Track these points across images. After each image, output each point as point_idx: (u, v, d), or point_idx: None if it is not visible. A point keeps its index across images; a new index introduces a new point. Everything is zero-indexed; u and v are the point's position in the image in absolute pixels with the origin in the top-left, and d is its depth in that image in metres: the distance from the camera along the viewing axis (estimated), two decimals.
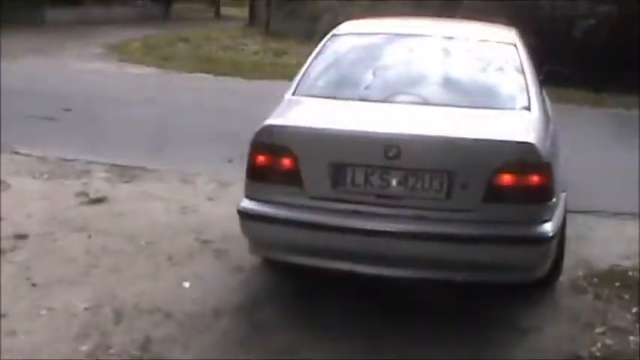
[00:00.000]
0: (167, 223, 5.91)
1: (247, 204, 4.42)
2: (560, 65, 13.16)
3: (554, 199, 4.24)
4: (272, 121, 4.42)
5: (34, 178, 7.11)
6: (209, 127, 9.23)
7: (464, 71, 5.17)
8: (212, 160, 7.71)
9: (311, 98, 4.87)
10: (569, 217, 4.95)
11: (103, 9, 28.16)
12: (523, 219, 4.18)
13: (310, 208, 4.23)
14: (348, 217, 4.19)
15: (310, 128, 4.43)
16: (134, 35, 21.35)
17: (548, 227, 4.15)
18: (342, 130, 4.36)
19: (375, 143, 4.14)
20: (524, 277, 4.35)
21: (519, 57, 5.18)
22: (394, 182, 4.15)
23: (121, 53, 17.86)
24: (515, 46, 5.36)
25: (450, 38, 5.55)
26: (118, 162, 7.57)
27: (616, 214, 6.48)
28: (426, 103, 4.72)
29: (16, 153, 7.86)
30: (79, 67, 15.63)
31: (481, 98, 4.84)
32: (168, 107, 10.62)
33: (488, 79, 5.09)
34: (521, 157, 4.10)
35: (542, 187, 4.17)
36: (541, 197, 4.18)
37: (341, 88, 5.00)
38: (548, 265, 4.41)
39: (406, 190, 4.14)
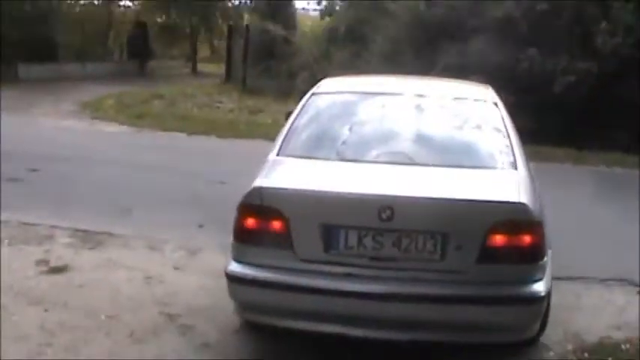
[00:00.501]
0: (130, 294, 5.55)
1: (235, 267, 4.32)
2: (540, 121, 13.20)
3: (545, 258, 4.23)
4: (261, 182, 4.37)
5: None
6: (180, 189, 8.95)
7: (447, 130, 5.13)
8: (182, 225, 7.40)
9: (297, 159, 4.78)
10: (555, 285, 4.68)
11: (77, 65, 27.99)
12: (516, 279, 4.17)
13: (301, 271, 4.17)
14: (341, 280, 4.13)
15: (301, 190, 4.34)
16: (109, 92, 21.10)
17: (540, 287, 4.15)
18: (334, 192, 4.28)
19: (368, 205, 4.11)
20: (515, 337, 4.37)
21: (501, 115, 5.21)
22: (388, 244, 4.10)
23: (95, 111, 17.58)
24: (495, 104, 5.39)
25: (430, 97, 5.56)
26: (83, 227, 7.22)
27: (603, 281, 6.21)
28: (413, 163, 4.64)
29: None
30: (50, 125, 15.32)
31: (467, 157, 4.82)
32: (139, 167, 10.30)
33: (472, 137, 5.06)
34: (513, 217, 4.11)
35: (534, 246, 4.16)
36: (533, 257, 4.18)
37: (326, 148, 4.91)
38: (538, 324, 4.42)
39: (400, 251, 4.11)
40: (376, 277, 4.13)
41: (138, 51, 31.74)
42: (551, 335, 4.86)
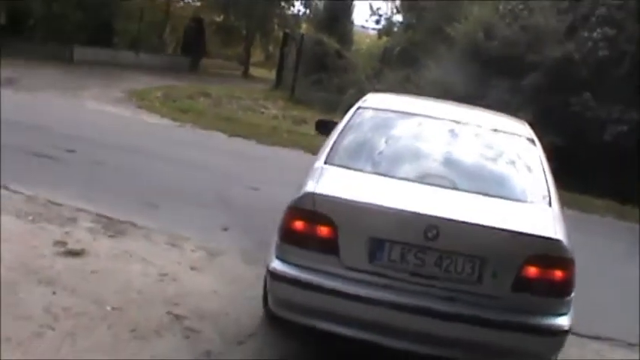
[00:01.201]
0: (141, 289, 5.44)
1: (279, 265, 4.49)
2: (585, 168, 12.93)
3: (572, 294, 4.41)
4: (314, 188, 4.51)
5: (17, 217, 6.71)
6: (211, 190, 8.84)
7: (486, 160, 5.32)
8: (206, 226, 7.29)
9: (344, 169, 4.93)
10: (580, 341, 5.03)
11: (131, 53, 28.17)
12: (544, 310, 4.36)
13: (344, 278, 4.35)
14: (382, 290, 4.32)
15: (353, 201, 4.48)
16: (158, 83, 21.17)
17: (565, 321, 4.36)
18: (385, 207, 4.44)
19: (416, 223, 4.30)
20: None
21: (537, 151, 5.44)
22: (429, 262, 4.31)
23: (140, 100, 17.60)
24: (532, 140, 5.62)
25: (470, 125, 5.72)
26: (108, 213, 7.13)
27: (631, 345, 5.96)
28: (455, 187, 4.82)
29: (7, 189, 7.48)
30: (95, 109, 15.36)
31: (505, 188, 4.99)
32: (174, 162, 10.23)
33: (510, 170, 5.25)
34: (549, 252, 4.32)
35: (566, 282, 4.36)
36: (563, 292, 4.38)
37: (372, 162, 5.07)
38: (558, 355, 4.51)
39: (440, 271, 4.31)
40: (415, 291, 4.31)
41: (192, 47, 31.80)
42: None
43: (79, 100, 16.31)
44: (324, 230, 4.40)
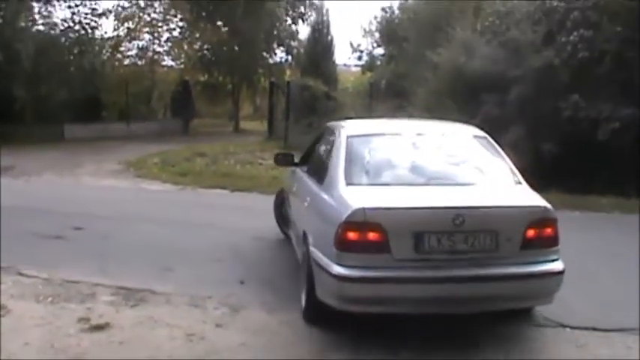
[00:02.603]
0: (171, 352, 5.52)
1: (341, 269, 5.48)
2: (585, 169, 13.00)
3: (559, 244, 5.83)
4: (362, 204, 5.58)
5: (37, 302, 6.78)
6: (221, 246, 8.91)
7: (470, 159, 6.71)
8: (223, 282, 7.37)
9: (365, 186, 6.12)
10: (606, 337, 5.87)
11: (122, 124, 28.39)
12: (545, 260, 5.74)
13: (398, 268, 5.49)
14: (429, 270, 5.52)
15: (395, 207, 5.69)
16: (152, 150, 21.32)
17: (560, 264, 5.77)
18: (420, 207, 5.71)
19: (446, 215, 5.55)
20: (544, 302, 6.01)
21: (495, 145, 6.85)
22: (459, 241, 5.56)
23: (138, 169, 17.74)
24: (485, 137, 7.03)
25: (443, 135, 7.19)
26: (125, 284, 7.21)
27: None
28: (458, 184, 6.26)
29: (21, 274, 7.58)
30: (94, 184, 15.51)
31: (490, 176, 6.46)
32: (181, 225, 10.32)
33: (486, 161, 6.67)
34: (542, 216, 5.76)
35: (555, 235, 5.80)
36: (554, 243, 5.80)
37: (384, 177, 6.28)
38: (556, 293, 5.85)
39: (468, 246, 5.57)
40: (452, 266, 5.57)
41: (181, 109, 32.05)
42: None
43: (77, 177, 16.48)
44: (376, 235, 5.46)
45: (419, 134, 7.01)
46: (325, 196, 6.22)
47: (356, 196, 5.79)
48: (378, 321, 5.89)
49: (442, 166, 6.47)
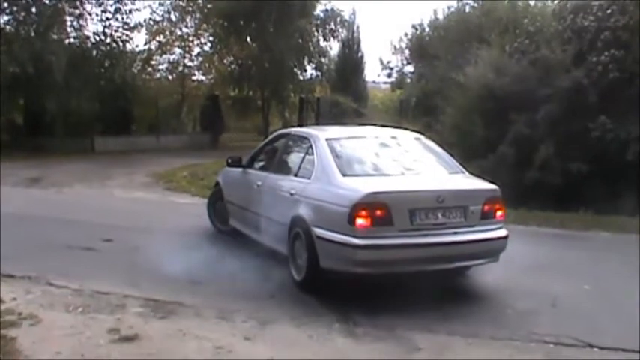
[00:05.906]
0: None
1: (357, 240, 7.03)
2: (614, 190, 12.91)
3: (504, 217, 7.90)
4: (370, 190, 7.19)
5: (67, 311, 6.87)
6: (251, 260, 8.91)
7: (423, 154, 8.56)
8: (253, 296, 7.43)
9: (360, 177, 7.68)
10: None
11: (151, 138, 28.60)
12: (496, 227, 7.70)
13: (399, 236, 7.18)
14: (421, 237, 7.25)
15: (397, 191, 7.38)
16: (181, 164, 21.49)
17: (505, 231, 7.75)
18: (414, 190, 7.52)
19: (432, 196, 7.33)
20: (493, 259, 7.78)
21: (435, 144, 8.92)
22: (440, 215, 7.35)
23: (167, 182, 17.90)
24: (420, 139, 8.96)
25: (394, 137, 8.85)
26: (155, 296, 7.29)
27: None
28: (431, 172, 8.18)
29: (51, 284, 7.68)
30: (124, 196, 15.68)
31: (449, 167, 8.30)
32: (211, 238, 10.43)
33: (439, 156, 8.58)
34: (494, 195, 7.73)
35: (502, 210, 7.80)
36: (502, 215, 7.79)
37: (367, 169, 7.91)
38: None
39: (446, 219, 7.38)
40: (437, 233, 7.31)
41: (210, 124, 32.20)
42: None
43: (107, 190, 16.69)
44: (382, 212, 7.06)
45: (376, 137, 8.76)
46: (324, 186, 7.71)
47: (359, 184, 7.38)
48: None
49: (408, 160, 8.23)
